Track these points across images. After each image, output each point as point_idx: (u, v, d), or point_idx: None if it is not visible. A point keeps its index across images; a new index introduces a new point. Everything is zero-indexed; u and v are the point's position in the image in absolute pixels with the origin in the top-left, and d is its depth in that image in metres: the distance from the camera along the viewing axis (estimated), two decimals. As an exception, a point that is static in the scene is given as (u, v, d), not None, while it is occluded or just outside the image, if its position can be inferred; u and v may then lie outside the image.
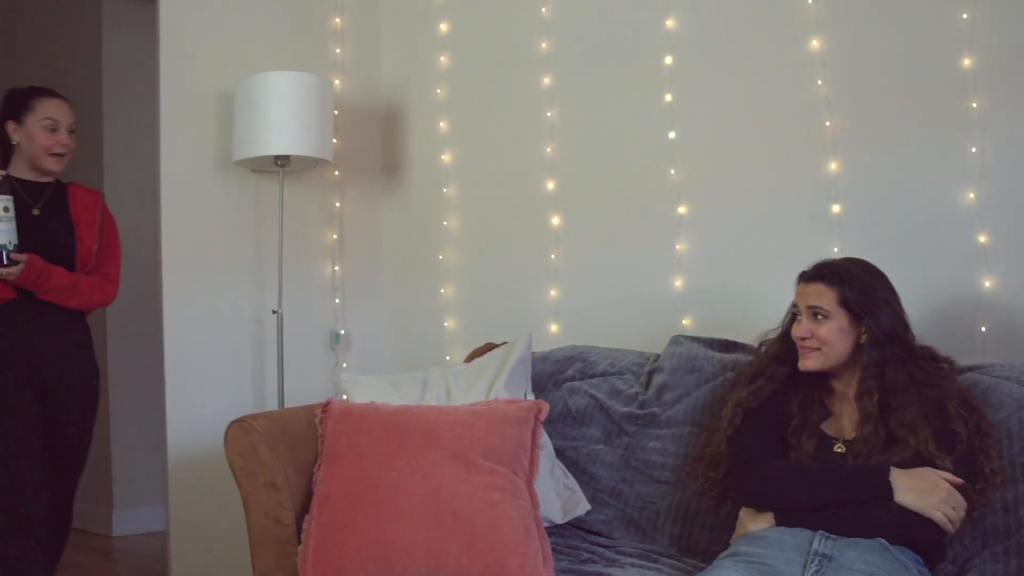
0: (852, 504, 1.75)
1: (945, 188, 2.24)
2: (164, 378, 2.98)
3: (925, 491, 1.70)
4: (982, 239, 2.19)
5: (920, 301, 2.12)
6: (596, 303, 2.90)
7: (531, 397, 2.45)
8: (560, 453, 2.40)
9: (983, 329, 2.18)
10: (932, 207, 2.27)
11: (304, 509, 2.08)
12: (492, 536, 1.90)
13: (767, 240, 2.54)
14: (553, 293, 3.00)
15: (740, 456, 1.92)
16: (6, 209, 2.32)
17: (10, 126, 2.52)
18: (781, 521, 1.80)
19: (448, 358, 3.27)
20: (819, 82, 2.44)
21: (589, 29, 2.95)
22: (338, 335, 3.34)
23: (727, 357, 2.33)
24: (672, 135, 2.73)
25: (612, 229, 2.87)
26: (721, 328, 2.49)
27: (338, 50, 3.41)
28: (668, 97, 2.74)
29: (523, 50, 3.10)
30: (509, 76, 3.15)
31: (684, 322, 2.68)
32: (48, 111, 2.52)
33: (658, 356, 2.49)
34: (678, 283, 2.71)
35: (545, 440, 2.30)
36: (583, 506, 2.27)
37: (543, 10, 3.05)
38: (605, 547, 2.17)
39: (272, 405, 3.09)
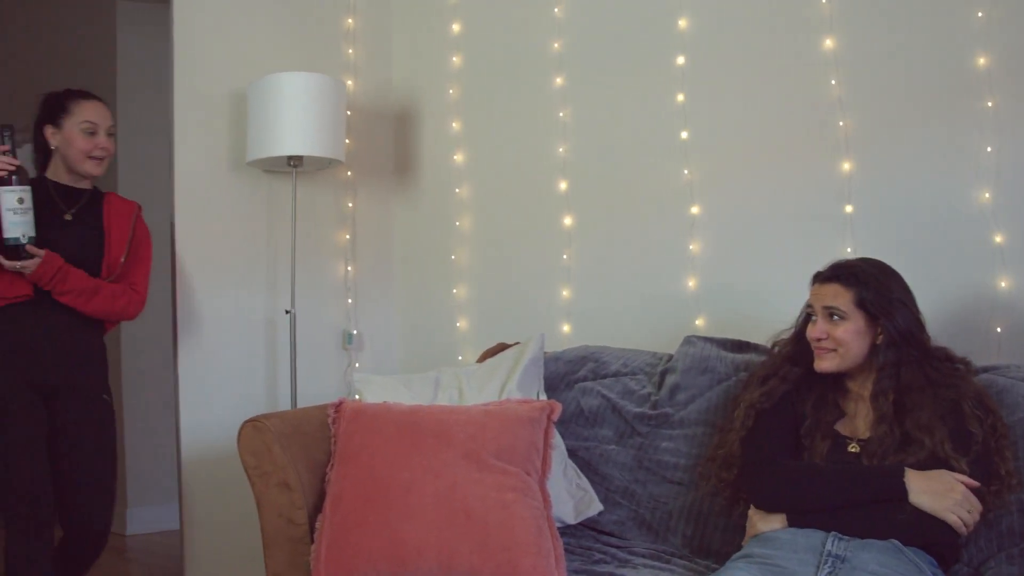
0: (866, 505, 1.74)
1: (960, 188, 2.23)
2: (177, 377, 2.99)
3: (940, 493, 1.69)
4: (998, 239, 2.17)
5: (935, 302, 2.11)
6: (608, 303, 2.90)
7: (543, 397, 2.45)
8: (572, 453, 2.39)
9: (999, 330, 2.16)
10: (947, 207, 2.25)
11: (317, 508, 2.09)
12: (504, 536, 1.90)
13: (780, 240, 2.53)
14: (565, 293, 3.00)
15: (753, 457, 1.92)
16: (21, 200, 2.26)
17: (48, 130, 2.48)
18: (794, 522, 1.80)
19: (460, 358, 3.27)
20: (832, 82, 2.43)
21: (601, 29, 2.95)
22: (350, 335, 3.35)
23: (740, 357, 2.32)
24: (685, 135, 2.72)
25: (625, 229, 2.87)
26: (734, 328, 2.48)
27: (351, 51, 3.42)
28: (680, 97, 2.73)
29: (536, 50, 3.10)
30: (521, 76, 3.15)
31: (697, 322, 2.67)
32: (86, 114, 2.48)
33: (671, 356, 2.48)
34: (691, 283, 2.70)
35: (558, 440, 2.30)
36: (595, 506, 2.27)
37: (556, 10, 3.05)
38: (617, 547, 2.17)
39: (285, 405, 3.10)
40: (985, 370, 1.97)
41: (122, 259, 2.50)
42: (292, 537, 2.09)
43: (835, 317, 1.87)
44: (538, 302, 3.07)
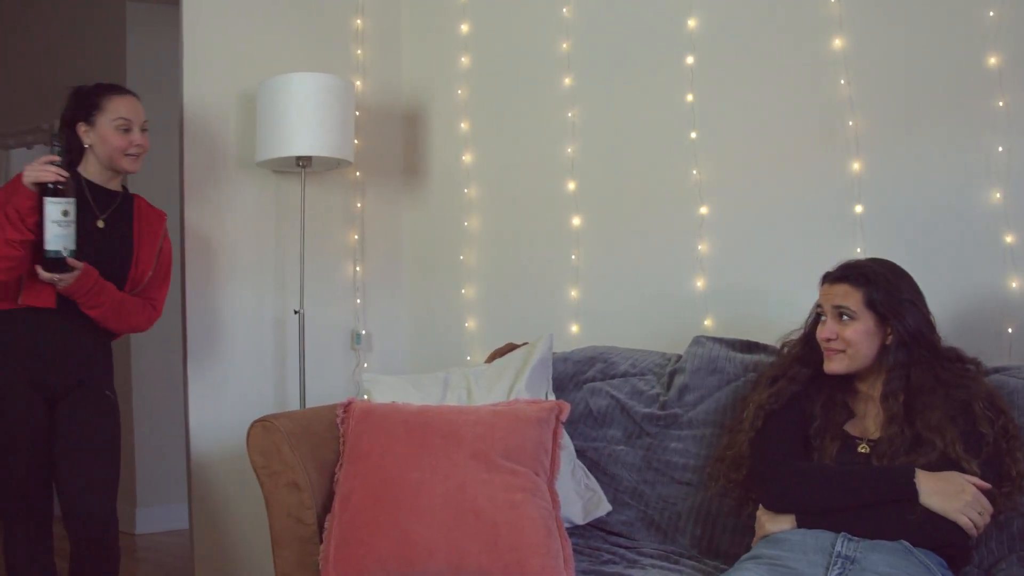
0: (876, 506, 1.74)
1: (971, 188, 2.22)
2: (186, 377, 3.00)
3: (951, 494, 1.68)
4: (1009, 239, 2.16)
5: (946, 302, 2.10)
6: (617, 303, 2.89)
7: (552, 398, 2.45)
8: (581, 454, 2.39)
9: (1010, 330, 2.15)
10: (957, 207, 2.24)
11: (326, 508, 2.09)
12: (513, 536, 1.90)
13: (789, 240, 2.53)
14: (574, 293, 3.00)
15: (762, 458, 1.91)
16: (65, 213, 2.20)
17: (81, 128, 2.41)
18: (803, 523, 1.79)
19: (469, 358, 3.27)
20: (842, 81, 2.42)
21: (610, 29, 2.94)
22: (359, 335, 3.36)
23: (749, 358, 2.32)
24: (694, 135, 2.72)
25: (633, 229, 2.86)
26: (743, 329, 2.48)
27: (359, 51, 3.43)
28: (689, 97, 2.73)
29: (544, 50, 3.10)
30: (530, 76, 3.15)
31: (706, 323, 2.67)
32: (120, 110, 2.41)
33: (679, 357, 2.48)
34: (700, 283, 2.70)
35: (566, 441, 2.30)
36: (604, 507, 2.27)
37: (564, 10, 3.05)
38: (626, 548, 2.16)
39: (294, 405, 3.11)
40: (996, 371, 1.96)
41: (148, 275, 2.48)
42: (301, 537, 2.09)
43: (845, 317, 1.87)
44: (547, 302, 3.07)
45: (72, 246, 2.22)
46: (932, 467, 1.72)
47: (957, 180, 2.24)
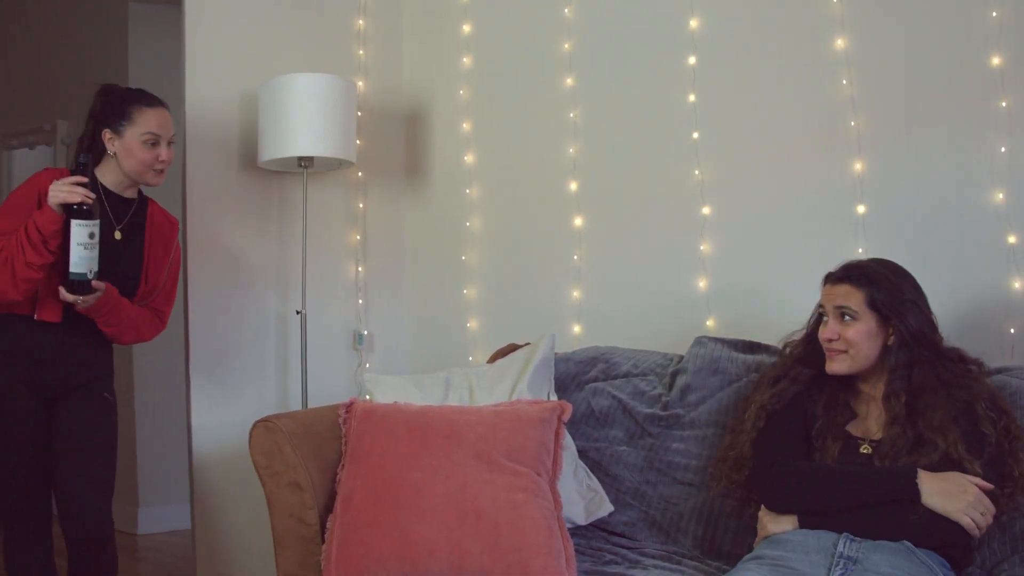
0: (878, 506, 1.73)
1: (973, 188, 2.22)
2: (188, 377, 3.00)
3: (953, 494, 1.68)
4: (1011, 239, 2.16)
5: (948, 303, 2.10)
6: (619, 304, 2.89)
7: (554, 398, 2.45)
8: (583, 454, 2.39)
9: (1012, 331, 2.15)
10: (960, 207, 2.24)
11: (328, 508, 2.09)
12: (515, 536, 1.90)
13: (791, 241, 2.52)
14: (576, 294, 3.00)
15: (764, 458, 1.91)
16: (91, 236, 2.16)
17: (106, 134, 2.34)
18: (805, 523, 1.79)
19: (471, 359, 3.27)
20: (844, 81, 2.42)
21: (612, 30, 2.94)
22: (361, 335, 3.36)
23: (751, 358, 2.32)
24: (696, 135, 2.72)
25: (635, 230, 2.86)
26: (745, 329, 2.48)
27: (361, 52, 3.43)
28: (692, 97, 2.73)
29: (546, 51, 3.10)
30: (532, 77, 3.15)
31: (708, 323, 2.67)
32: (149, 124, 2.33)
33: (681, 357, 2.48)
34: (702, 284, 2.69)
35: (568, 441, 2.30)
36: (606, 507, 2.27)
37: (566, 11, 3.05)
38: (628, 548, 2.16)
39: (296, 405, 3.11)
40: (998, 371, 1.96)
41: (158, 289, 2.46)
42: (303, 537, 2.09)
43: (847, 317, 1.87)
44: (548, 302, 3.07)
45: (96, 267, 2.19)
46: (934, 468, 1.72)
47: (959, 180, 2.24)
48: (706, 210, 2.69)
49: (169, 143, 2.39)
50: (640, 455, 2.34)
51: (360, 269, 3.39)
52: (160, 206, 2.54)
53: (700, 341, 2.45)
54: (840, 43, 2.43)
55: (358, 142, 3.22)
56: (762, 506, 1.90)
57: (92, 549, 2.36)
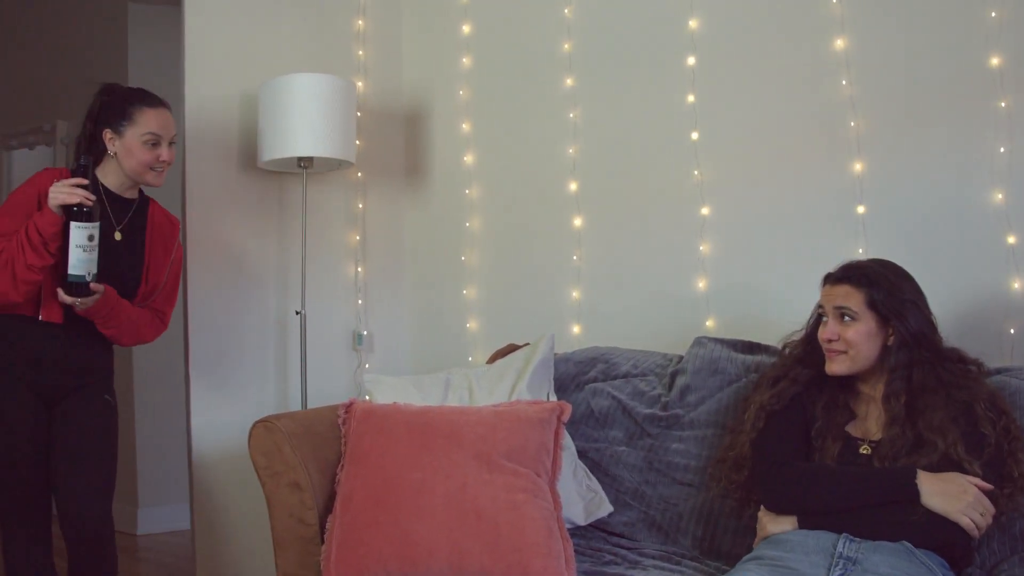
0: (877, 507, 1.73)
1: (973, 188, 2.22)
2: (188, 378, 3.00)
3: (953, 495, 1.68)
4: (1011, 240, 2.16)
5: (947, 303, 2.10)
6: (619, 304, 2.89)
7: (553, 398, 2.45)
8: (583, 455, 2.39)
9: (1012, 331, 2.15)
10: (959, 208, 2.24)
11: (327, 509, 2.09)
12: (515, 537, 1.90)
13: (791, 241, 2.52)
14: (575, 294, 3.00)
15: (764, 459, 1.91)
16: (91, 238, 2.15)
17: (107, 134, 2.32)
18: (804, 524, 1.79)
19: (470, 359, 3.27)
20: (844, 82, 2.42)
21: (612, 30, 2.94)
22: (361, 336, 3.36)
23: (750, 359, 2.32)
24: (695, 136, 2.72)
25: (635, 230, 2.86)
26: (744, 330, 2.48)
27: (361, 52, 3.43)
28: (691, 98, 2.73)
29: (546, 51, 3.10)
30: (532, 77, 3.15)
31: (707, 323, 2.67)
32: (151, 125, 2.32)
33: (681, 358, 2.48)
34: (701, 284, 2.69)
35: (568, 441, 2.30)
36: (605, 508, 2.27)
37: (565, 11, 3.05)
38: (628, 549, 2.16)
39: (295, 405, 3.11)
40: (998, 371, 1.96)
41: (159, 289, 2.45)
42: (303, 537, 2.09)
43: (846, 318, 1.87)
44: (548, 303, 3.07)
45: (95, 270, 2.19)
46: (934, 468, 1.72)
47: (959, 181, 2.24)
48: (706, 210, 2.69)
49: (170, 143, 2.38)
50: (639, 455, 2.34)
51: (360, 269, 3.39)
52: (161, 206, 2.53)
53: (700, 341, 2.45)
54: (840, 43, 2.43)
55: (358, 142, 3.22)
56: (761, 506, 1.90)
57: (92, 550, 2.35)
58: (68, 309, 2.27)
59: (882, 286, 1.85)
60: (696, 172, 2.71)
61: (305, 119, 2.88)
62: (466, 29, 3.34)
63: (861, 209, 2.39)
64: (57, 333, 2.30)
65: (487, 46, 3.30)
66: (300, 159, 2.97)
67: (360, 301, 3.39)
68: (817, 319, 1.96)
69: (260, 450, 2.15)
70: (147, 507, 4.25)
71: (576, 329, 2.98)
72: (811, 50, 2.49)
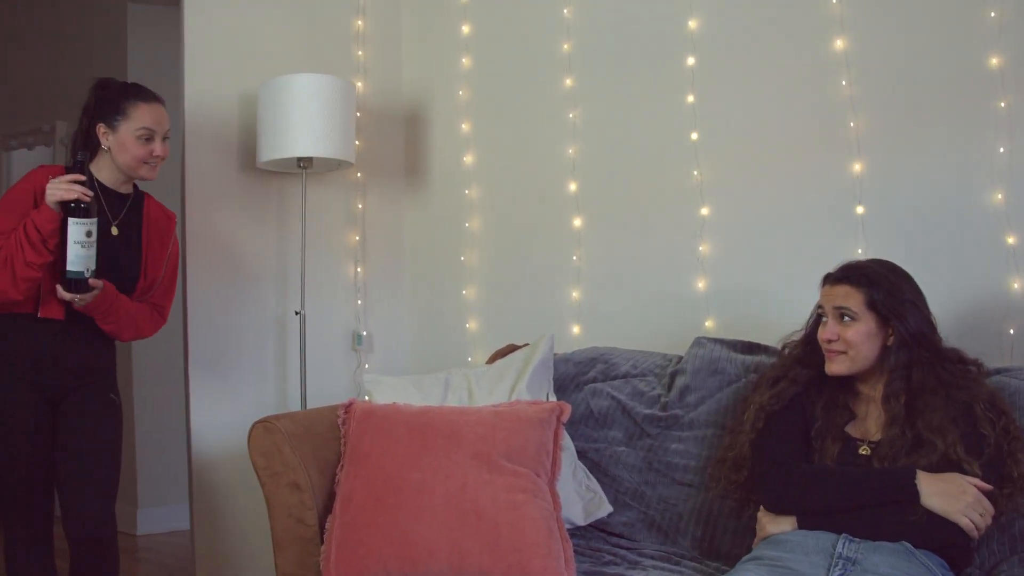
0: (877, 507, 1.73)
1: (972, 188, 2.22)
2: (187, 378, 3.00)
3: (952, 495, 1.68)
4: (1010, 240, 2.16)
5: (947, 303, 2.10)
6: (618, 304, 2.89)
7: (553, 399, 2.45)
8: (582, 455, 2.39)
9: (1011, 331, 2.15)
10: (959, 208, 2.24)
11: (327, 509, 2.09)
12: (515, 537, 1.90)
13: (791, 241, 2.52)
14: (575, 294, 3.00)
15: (763, 459, 1.91)
16: (89, 234, 2.15)
17: (100, 128, 2.33)
18: (804, 524, 1.79)
19: (470, 359, 3.27)
20: (843, 82, 2.42)
21: (611, 30, 2.94)
22: (360, 336, 3.36)
23: (750, 359, 2.32)
24: (695, 136, 2.72)
25: (634, 230, 2.86)
26: (744, 330, 2.48)
27: (360, 52, 3.43)
28: (690, 98, 2.73)
29: (545, 51, 3.10)
30: (531, 77, 3.15)
31: (707, 324, 2.67)
32: (145, 120, 2.33)
33: (681, 358, 2.48)
34: (701, 284, 2.69)
35: (567, 442, 2.30)
36: (605, 508, 2.27)
37: (565, 11, 3.05)
38: (627, 549, 2.16)
39: (295, 406, 3.11)
40: (998, 372, 1.96)
41: (157, 283, 2.45)
42: (302, 537, 2.09)
43: (846, 318, 1.86)
44: (548, 303, 3.07)
45: (93, 266, 2.18)
46: (933, 468, 1.72)
47: (959, 181, 2.24)
48: (705, 211, 2.69)
49: (164, 138, 2.38)
50: (639, 456, 2.34)
51: (359, 270, 3.39)
52: (156, 201, 2.53)
53: (699, 342, 2.45)
54: (839, 44, 2.43)
55: (357, 143, 3.22)
56: (761, 507, 1.90)
57: (93, 550, 2.35)
58: (68, 306, 2.26)
59: (882, 286, 1.85)
60: (696, 172, 2.71)
61: (305, 119, 2.88)
62: (466, 29, 3.34)
63: (860, 209, 2.39)
64: (58, 330, 2.30)
65: (487, 46, 3.30)
66: (300, 159, 2.97)
67: (360, 301, 3.39)
68: (816, 319, 1.96)
69: (260, 450, 2.15)
70: (147, 507, 4.25)
71: (576, 329, 2.98)
72: (811, 50, 2.49)
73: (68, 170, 2.24)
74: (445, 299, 3.38)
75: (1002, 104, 2.17)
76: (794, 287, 2.35)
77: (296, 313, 3.07)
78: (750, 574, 1.67)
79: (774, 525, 1.83)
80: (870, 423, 1.89)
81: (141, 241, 2.43)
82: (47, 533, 2.38)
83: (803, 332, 2.02)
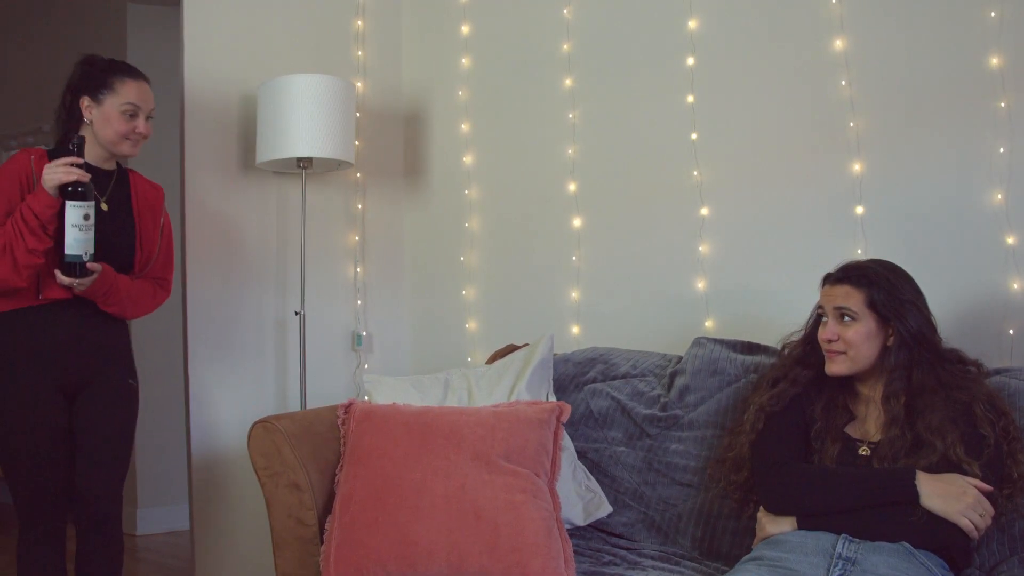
0: (876, 508, 1.73)
1: (972, 189, 2.22)
2: (187, 378, 3.00)
3: (952, 496, 1.68)
4: (1010, 240, 2.16)
5: (947, 303, 2.10)
6: (618, 305, 2.89)
7: (553, 399, 2.45)
8: (582, 455, 2.39)
9: (1011, 332, 2.15)
10: (959, 208, 2.24)
11: (327, 509, 2.09)
12: (514, 537, 1.89)
13: (790, 241, 2.52)
14: (575, 295, 3.00)
15: (763, 460, 1.91)
16: (86, 217, 2.14)
17: (84, 101, 2.32)
18: (804, 524, 1.79)
19: (470, 359, 3.27)
20: (843, 82, 2.42)
21: (611, 30, 2.94)
22: (360, 336, 3.36)
23: (750, 359, 2.31)
24: (694, 136, 2.71)
25: (634, 230, 2.86)
26: (744, 330, 2.48)
27: (360, 53, 3.43)
28: (690, 98, 2.73)
29: (545, 52, 3.10)
30: (531, 78, 3.15)
31: (707, 324, 2.67)
32: (130, 95, 2.32)
33: (680, 358, 2.48)
34: (700, 285, 2.69)
35: (567, 442, 2.30)
36: (605, 508, 2.27)
37: (564, 12, 3.05)
38: (627, 549, 2.16)
39: (294, 406, 3.11)
40: (997, 372, 1.96)
41: (154, 256, 2.45)
42: (302, 537, 2.09)
43: (846, 318, 1.86)
44: (547, 303, 3.07)
45: (92, 250, 2.18)
46: (933, 469, 1.72)
47: (959, 181, 2.24)
48: (705, 211, 2.69)
49: (148, 117, 2.39)
50: (639, 456, 2.34)
51: (359, 270, 3.39)
52: (142, 175, 2.53)
53: (699, 342, 2.45)
54: (839, 44, 2.43)
55: (357, 143, 3.22)
56: (760, 507, 1.90)
57: (99, 529, 2.34)
58: (69, 291, 2.26)
59: (882, 286, 1.85)
60: (695, 172, 2.71)
61: (304, 119, 2.88)
62: (465, 29, 3.34)
63: (860, 209, 2.39)
64: (64, 311, 2.28)
65: (487, 46, 3.30)
66: (299, 159, 2.97)
67: (359, 301, 3.39)
68: (816, 319, 1.96)
69: (259, 451, 2.15)
70: (147, 507, 4.25)
71: (575, 329, 2.98)
72: (811, 51, 2.49)
73: (53, 152, 2.24)
74: (445, 299, 3.38)
75: (1002, 104, 2.17)
76: (794, 287, 2.35)
77: (296, 313, 3.07)
78: (750, 574, 1.67)
79: (774, 525, 1.83)
80: (870, 424, 1.89)
81: (133, 215, 2.43)
82: (60, 534, 2.38)
83: (803, 332, 2.02)
